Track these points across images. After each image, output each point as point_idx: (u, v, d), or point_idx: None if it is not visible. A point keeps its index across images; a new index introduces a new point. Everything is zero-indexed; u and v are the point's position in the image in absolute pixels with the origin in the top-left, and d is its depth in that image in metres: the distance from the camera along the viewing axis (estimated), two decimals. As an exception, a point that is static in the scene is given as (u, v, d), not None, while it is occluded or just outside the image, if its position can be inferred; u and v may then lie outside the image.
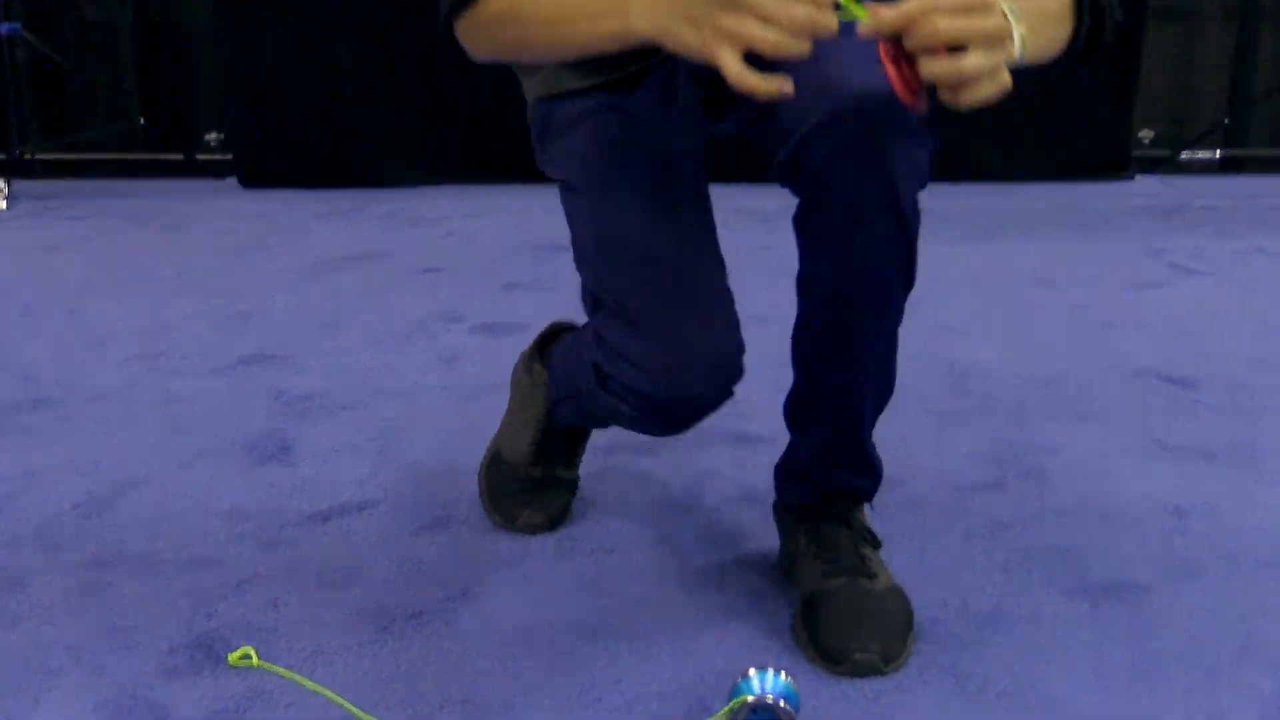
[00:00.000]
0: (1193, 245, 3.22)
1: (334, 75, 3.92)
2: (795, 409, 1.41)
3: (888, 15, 1.01)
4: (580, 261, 1.38)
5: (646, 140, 1.35)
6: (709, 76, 1.09)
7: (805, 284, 1.31)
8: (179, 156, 4.34)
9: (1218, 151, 4.27)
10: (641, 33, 1.12)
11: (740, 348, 1.27)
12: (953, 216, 3.54)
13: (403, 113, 3.97)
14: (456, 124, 3.93)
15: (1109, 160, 4.02)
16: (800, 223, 1.27)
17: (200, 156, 4.36)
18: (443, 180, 4.01)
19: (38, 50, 4.23)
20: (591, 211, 1.36)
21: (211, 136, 4.36)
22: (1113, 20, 1.26)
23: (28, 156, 4.35)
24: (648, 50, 1.14)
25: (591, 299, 1.38)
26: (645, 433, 1.33)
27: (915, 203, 1.27)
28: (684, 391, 1.25)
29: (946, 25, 1.01)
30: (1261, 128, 4.31)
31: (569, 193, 1.40)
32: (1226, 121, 4.24)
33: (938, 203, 3.69)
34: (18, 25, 3.82)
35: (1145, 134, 4.21)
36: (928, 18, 1.00)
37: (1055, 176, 3.96)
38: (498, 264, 2.98)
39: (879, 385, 1.37)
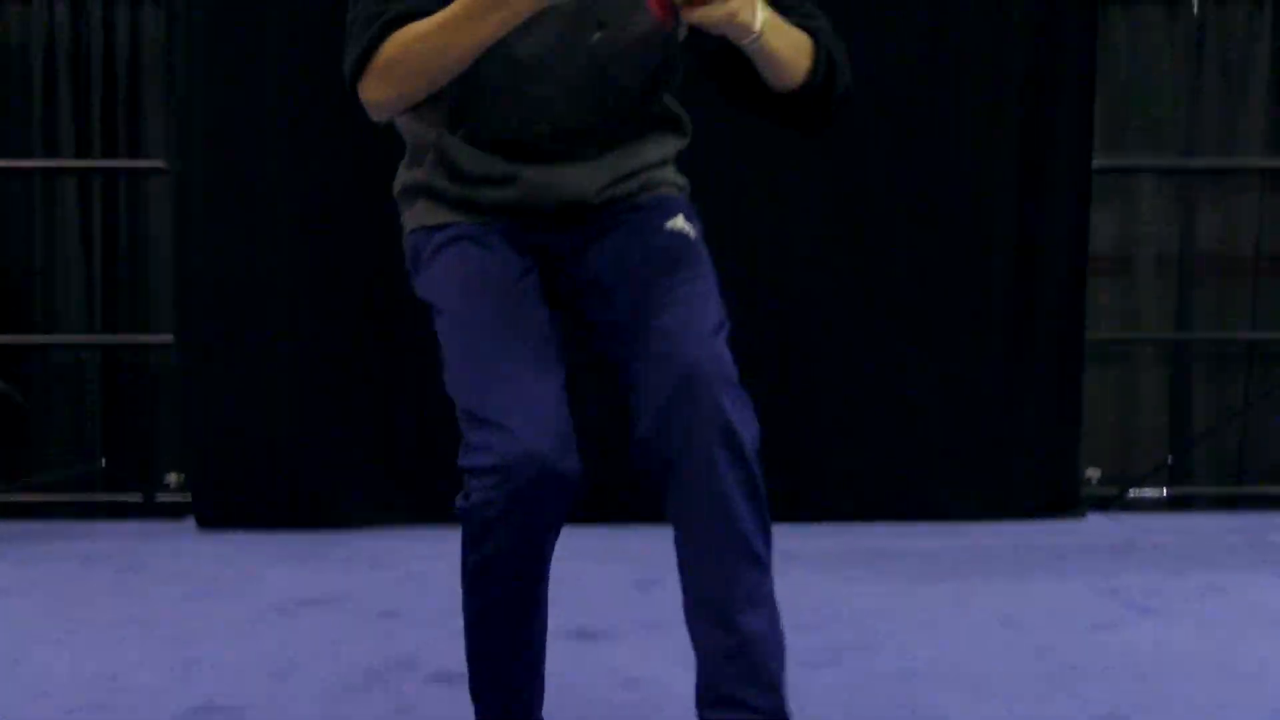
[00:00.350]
0: (1148, 584, 3.24)
1: (294, 418, 3.98)
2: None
3: None
4: (446, 374, 1.58)
5: (496, 266, 1.61)
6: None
7: (682, 564, 1.58)
8: (138, 497, 4.34)
9: (1164, 490, 4.36)
10: (525, 8, 1.42)
11: (568, 419, 1.50)
12: (908, 556, 3.56)
13: (362, 456, 4.02)
14: (415, 466, 3.97)
15: (1058, 499, 4.09)
16: (665, 495, 1.54)
17: (159, 498, 4.36)
18: (402, 521, 4.02)
19: (2, 391, 4.29)
20: (449, 328, 1.60)
21: (171, 478, 4.38)
22: (843, 82, 1.63)
23: (-16, 498, 4.33)
24: (501, 204, 1.55)
25: (459, 410, 1.55)
26: (511, 531, 1.49)
27: (756, 448, 1.54)
28: (529, 453, 1.44)
29: None
30: (1205, 466, 4.43)
31: (435, 315, 1.63)
32: (1169, 460, 4.36)
33: (892, 543, 3.73)
34: (-14, 369, 3.89)
35: (1092, 473, 4.30)
36: None
37: (1007, 515, 4.02)
38: (456, 606, 2.94)
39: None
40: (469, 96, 1.64)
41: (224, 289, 3.95)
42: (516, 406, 1.49)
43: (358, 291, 3.92)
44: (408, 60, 1.52)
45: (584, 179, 1.67)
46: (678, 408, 1.50)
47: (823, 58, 1.60)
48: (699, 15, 1.41)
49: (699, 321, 1.56)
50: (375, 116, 1.62)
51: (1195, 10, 4.27)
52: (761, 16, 1.47)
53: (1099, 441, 4.36)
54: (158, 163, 4.17)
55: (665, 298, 1.58)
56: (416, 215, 1.71)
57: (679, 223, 1.70)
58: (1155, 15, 4.30)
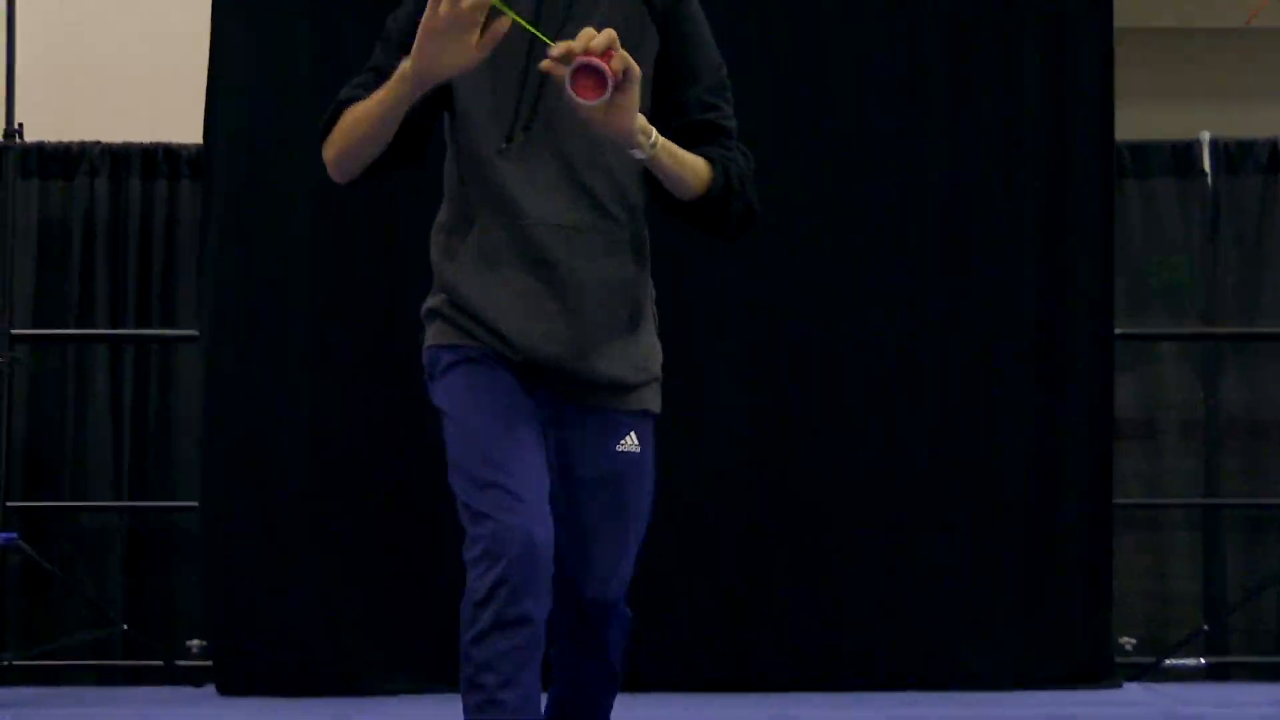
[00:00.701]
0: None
1: (316, 586, 3.96)
2: None
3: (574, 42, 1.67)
4: (450, 471, 1.85)
5: (494, 385, 1.87)
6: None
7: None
8: (159, 663, 4.30)
9: (1201, 659, 4.26)
10: (414, 74, 1.72)
11: (548, 512, 1.80)
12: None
13: (384, 624, 3.98)
14: (437, 633, 3.92)
15: (1092, 667, 4.00)
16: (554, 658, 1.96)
17: (180, 663, 4.32)
18: (423, 689, 3.96)
19: (29, 557, 4.30)
20: (454, 433, 1.87)
21: (194, 643, 4.34)
22: (742, 201, 1.89)
23: (5, 664, 4.30)
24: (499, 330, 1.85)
25: (459, 504, 1.83)
26: (500, 605, 1.73)
27: (620, 657, 2.00)
28: (515, 532, 1.74)
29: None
30: (1242, 634, 4.34)
31: (444, 419, 1.89)
32: (1205, 628, 4.27)
33: (923, 711, 3.64)
34: (14, 535, 3.91)
35: (1126, 641, 4.22)
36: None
37: (1040, 684, 3.92)
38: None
39: None
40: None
41: (249, 456, 3.97)
42: (506, 501, 1.77)
43: (380, 465, 3.95)
44: (346, 133, 1.85)
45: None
46: (576, 628, 1.96)
47: (719, 178, 1.86)
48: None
49: (608, 565, 1.94)
50: (333, 176, 1.93)
51: (1209, 182, 4.34)
52: (654, 139, 1.77)
53: (1132, 608, 4.29)
54: (190, 331, 4.24)
55: (592, 533, 1.93)
56: (433, 335, 1.96)
57: (629, 442, 1.94)
58: (1169, 187, 4.37)
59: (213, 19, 3.94)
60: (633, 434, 1.94)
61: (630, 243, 1.94)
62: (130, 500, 4.40)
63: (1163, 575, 4.40)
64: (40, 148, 4.45)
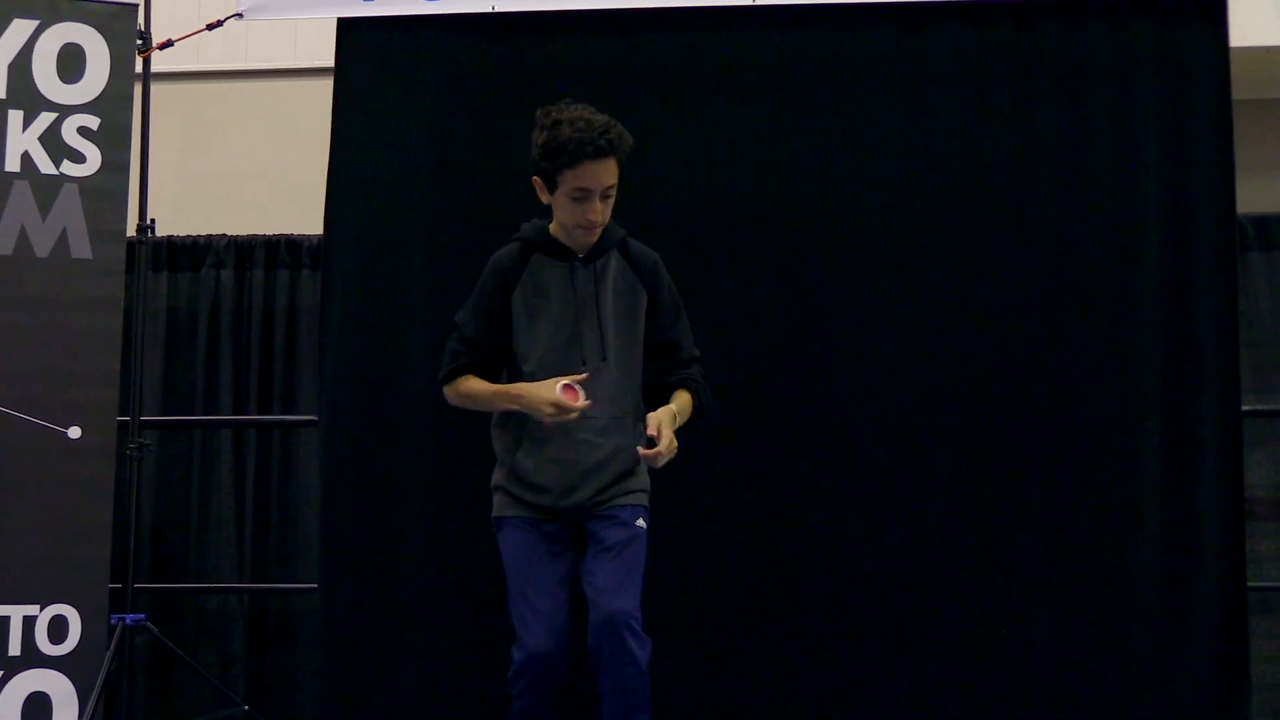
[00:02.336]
0: None
1: (433, 670, 3.98)
2: None
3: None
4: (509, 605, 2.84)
5: (535, 543, 2.87)
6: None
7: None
8: (278, 743, 4.36)
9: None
10: (517, 404, 2.83)
11: (565, 629, 2.78)
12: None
13: (503, 707, 3.98)
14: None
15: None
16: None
17: (299, 743, 4.38)
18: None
19: (156, 637, 4.40)
20: (510, 576, 2.86)
21: (312, 725, 4.40)
22: (706, 411, 2.96)
23: (132, 745, 4.39)
24: (549, 507, 2.85)
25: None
26: (531, 691, 2.78)
27: (646, 658, 2.74)
28: (539, 653, 2.75)
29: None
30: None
31: (504, 565, 2.89)
32: (1350, 718, 4.08)
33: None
34: (143, 616, 4.00)
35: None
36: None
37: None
38: None
39: None
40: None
41: (367, 539, 4.02)
42: (537, 627, 2.77)
43: (497, 550, 3.94)
44: (463, 396, 2.96)
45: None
46: (603, 637, 2.73)
47: (700, 406, 2.95)
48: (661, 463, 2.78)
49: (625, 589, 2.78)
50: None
51: (1336, 252, 4.22)
52: (675, 421, 2.83)
53: (1269, 695, 4.12)
54: (309, 416, 4.33)
55: (608, 568, 2.81)
56: (497, 506, 2.96)
57: (641, 522, 2.89)
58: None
59: (333, 117, 4.06)
60: (641, 518, 2.88)
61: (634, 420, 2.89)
62: (252, 582, 4.48)
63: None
64: (170, 241, 4.63)
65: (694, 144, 3.94)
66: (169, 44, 4.05)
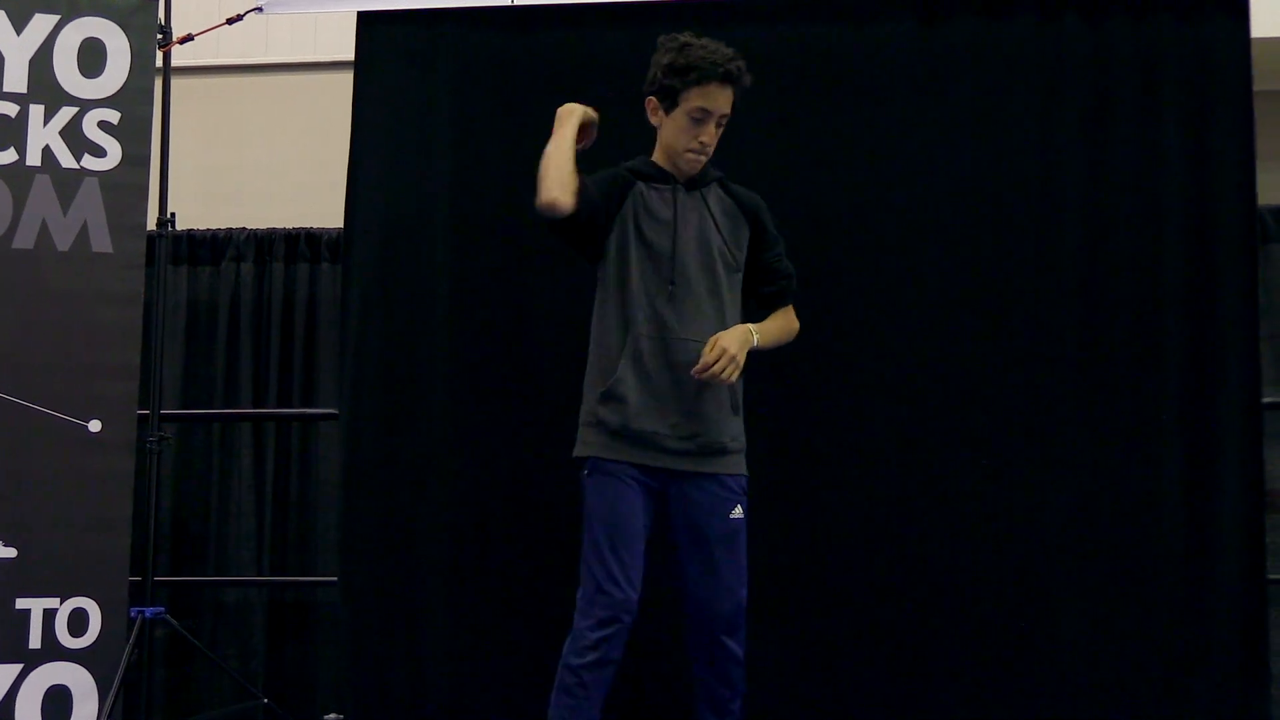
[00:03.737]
0: None
1: (454, 661, 3.98)
2: None
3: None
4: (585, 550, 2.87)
5: (636, 492, 2.87)
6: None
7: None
8: (297, 734, 4.36)
9: (1366, 744, 4.04)
10: (573, 122, 2.93)
11: (639, 584, 2.83)
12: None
13: (524, 697, 3.97)
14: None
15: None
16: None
17: (318, 734, 4.37)
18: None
19: (175, 630, 4.41)
20: (598, 524, 2.86)
21: (332, 717, 4.39)
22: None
23: (151, 735, 4.40)
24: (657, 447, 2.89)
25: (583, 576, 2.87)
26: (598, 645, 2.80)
27: (742, 649, 2.93)
28: (618, 601, 2.79)
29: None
30: None
31: (589, 511, 2.90)
32: (1370, 711, 4.05)
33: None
34: (162, 609, 4.00)
35: (1285, 725, 4.03)
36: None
37: None
38: None
39: None
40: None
41: (387, 531, 4.03)
42: (622, 579, 2.80)
43: (518, 540, 3.96)
44: (538, 182, 2.83)
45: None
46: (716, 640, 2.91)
47: (787, 324, 3.13)
48: (710, 377, 2.83)
49: (735, 595, 2.91)
50: (547, 214, 2.83)
51: (1357, 244, 4.20)
52: (755, 339, 2.92)
53: (1289, 690, 4.09)
54: (330, 410, 4.33)
55: (718, 571, 2.89)
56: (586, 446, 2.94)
57: (738, 512, 2.93)
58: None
59: (353, 110, 4.07)
60: (739, 506, 2.95)
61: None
62: (272, 575, 4.48)
63: (1321, 655, 4.19)
64: (190, 235, 4.62)
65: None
66: (189, 38, 4.05)
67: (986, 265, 3.88)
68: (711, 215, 3.00)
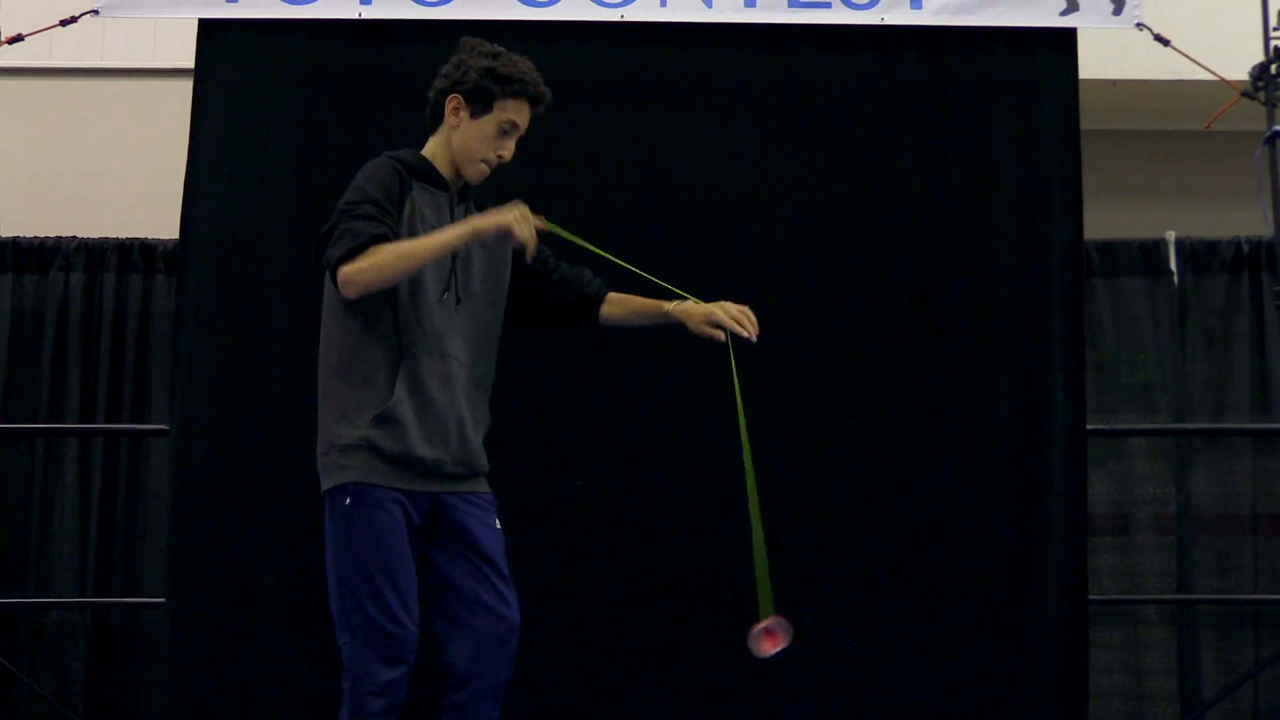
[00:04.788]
0: None
1: (284, 684, 3.89)
2: None
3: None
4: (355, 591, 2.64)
5: (404, 521, 2.66)
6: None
7: None
8: (118, 764, 4.23)
9: (1178, 758, 4.25)
10: (483, 229, 2.62)
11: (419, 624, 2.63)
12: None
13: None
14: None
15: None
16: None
17: (142, 763, 4.25)
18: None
19: (-10, 657, 4.24)
20: (369, 559, 2.65)
21: (157, 743, 4.28)
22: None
23: (-41, 766, 4.22)
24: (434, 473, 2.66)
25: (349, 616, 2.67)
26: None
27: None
28: (403, 640, 2.62)
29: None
30: (1219, 731, 4.32)
31: (353, 545, 2.65)
32: (1182, 726, 4.27)
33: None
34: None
35: (1103, 739, 4.21)
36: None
37: None
38: None
39: None
40: None
41: (218, 552, 3.93)
42: (404, 615, 2.64)
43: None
44: (393, 258, 2.57)
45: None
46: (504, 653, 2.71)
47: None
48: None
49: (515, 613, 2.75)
50: (356, 290, 2.59)
51: (1175, 280, 4.41)
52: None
53: (1108, 706, 4.27)
54: (160, 425, 4.23)
55: (501, 588, 2.75)
56: (356, 469, 2.67)
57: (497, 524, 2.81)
58: (1137, 285, 4.44)
59: (192, 119, 3.98)
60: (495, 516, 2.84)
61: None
62: (95, 597, 4.34)
63: (1138, 672, 4.40)
64: (15, 242, 4.47)
65: (551, 153, 3.95)
66: (19, 38, 3.93)
67: (820, 289, 3.97)
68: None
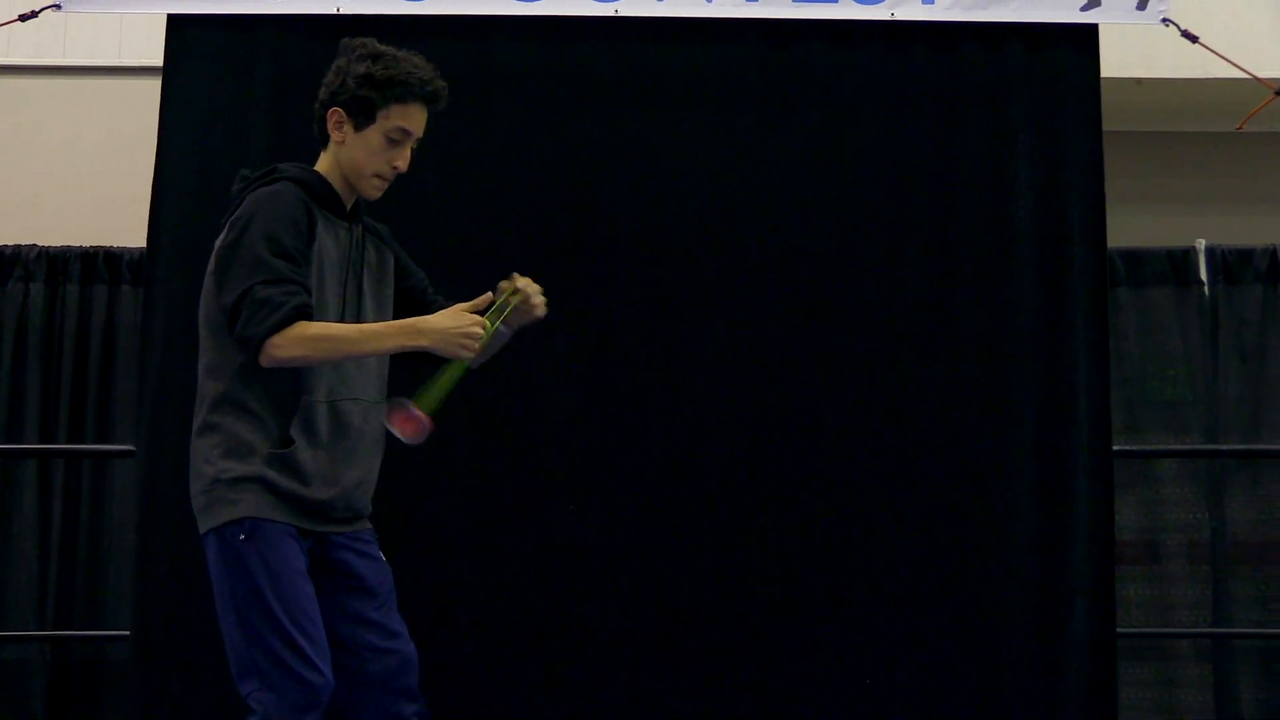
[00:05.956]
0: None
1: None
2: None
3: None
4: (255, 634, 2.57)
5: (303, 555, 2.59)
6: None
7: None
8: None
9: (1213, 801, 4.20)
10: (424, 345, 2.56)
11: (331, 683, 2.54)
12: None
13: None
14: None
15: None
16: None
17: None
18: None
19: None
20: (269, 597, 2.54)
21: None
22: None
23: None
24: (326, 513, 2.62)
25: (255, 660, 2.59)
26: None
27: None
28: (317, 685, 2.52)
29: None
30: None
31: (247, 581, 2.55)
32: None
33: None
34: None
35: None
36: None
37: None
38: None
39: None
40: None
41: (186, 583, 3.85)
42: (320, 660, 2.57)
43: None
44: (315, 342, 2.51)
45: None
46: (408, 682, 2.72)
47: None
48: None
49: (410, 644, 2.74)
50: (272, 363, 2.51)
51: (1206, 291, 4.37)
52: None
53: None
54: (126, 446, 4.19)
55: (392, 622, 2.74)
56: (246, 504, 2.59)
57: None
58: (1165, 296, 4.40)
59: (160, 119, 3.96)
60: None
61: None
62: (55, 629, 4.30)
63: (1171, 710, 4.35)
64: (-30, 250, 4.45)
65: (551, 152, 3.93)
66: (-25, 34, 3.91)
67: (828, 302, 3.93)
68: (372, 252, 2.79)
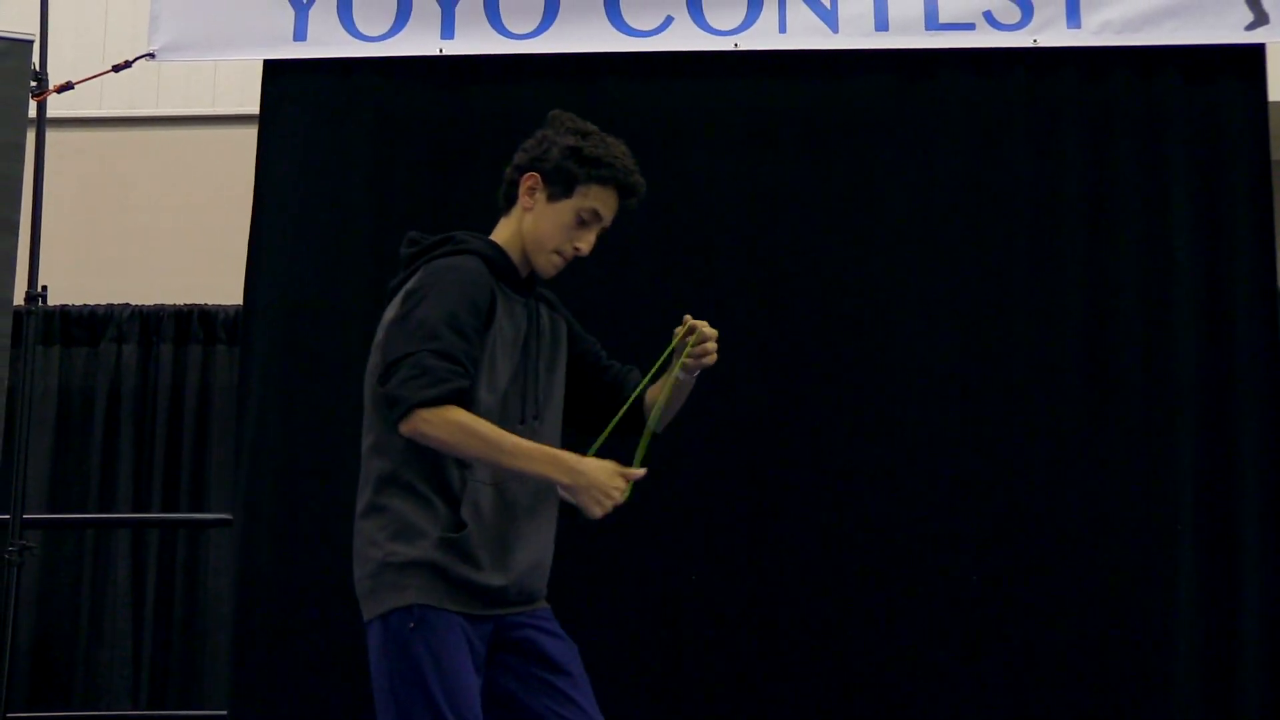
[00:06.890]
0: None
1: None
2: None
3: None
4: None
5: (470, 650, 2.53)
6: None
7: None
8: None
9: None
10: (563, 482, 2.52)
11: None
12: None
13: None
14: None
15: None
16: None
17: None
18: None
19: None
20: (435, 691, 2.50)
21: None
22: None
23: None
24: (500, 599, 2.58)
25: None
26: None
27: None
28: None
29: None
30: None
31: (417, 673, 2.51)
32: None
33: None
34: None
35: None
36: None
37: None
38: None
39: None
40: None
41: (284, 659, 3.87)
42: None
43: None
44: (463, 432, 2.48)
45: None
46: None
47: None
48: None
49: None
50: (408, 434, 2.50)
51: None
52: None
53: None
54: (223, 515, 4.19)
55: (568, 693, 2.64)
56: (417, 590, 2.55)
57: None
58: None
59: (257, 170, 4.00)
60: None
61: None
62: (150, 709, 4.33)
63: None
64: (64, 310, 4.51)
65: (667, 197, 3.87)
66: (68, 86, 3.96)
67: (971, 354, 3.85)
68: (546, 322, 2.77)
